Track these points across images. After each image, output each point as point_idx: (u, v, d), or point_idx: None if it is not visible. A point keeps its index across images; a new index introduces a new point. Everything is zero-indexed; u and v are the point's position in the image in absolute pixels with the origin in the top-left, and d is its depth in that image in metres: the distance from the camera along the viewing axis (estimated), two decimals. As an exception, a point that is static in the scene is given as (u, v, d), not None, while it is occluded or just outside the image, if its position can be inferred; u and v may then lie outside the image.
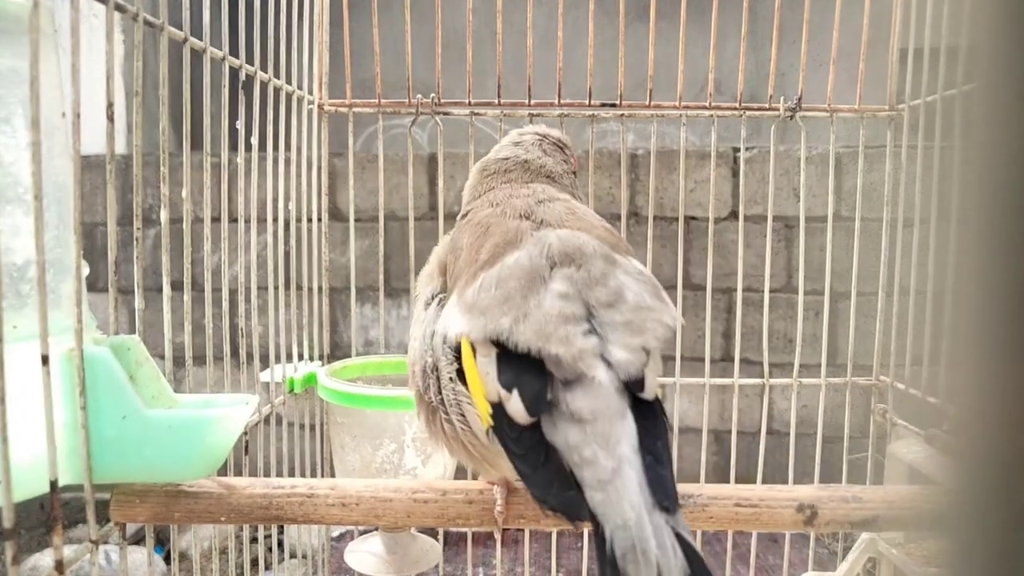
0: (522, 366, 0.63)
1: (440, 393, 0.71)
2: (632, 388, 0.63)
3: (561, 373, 0.62)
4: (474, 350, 0.66)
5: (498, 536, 0.83)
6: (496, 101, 1.30)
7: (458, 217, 0.87)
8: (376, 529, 1.10)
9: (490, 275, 0.68)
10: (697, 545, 0.58)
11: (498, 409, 0.64)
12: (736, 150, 2.58)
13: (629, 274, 0.70)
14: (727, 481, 1.06)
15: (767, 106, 1.29)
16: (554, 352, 0.62)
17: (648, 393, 0.64)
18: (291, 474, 1.24)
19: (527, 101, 1.30)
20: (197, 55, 0.88)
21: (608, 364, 0.63)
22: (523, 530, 1.26)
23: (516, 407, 0.62)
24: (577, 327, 0.63)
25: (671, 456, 0.64)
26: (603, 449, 0.59)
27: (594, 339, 0.63)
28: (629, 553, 0.55)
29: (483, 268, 0.70)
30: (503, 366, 0.64)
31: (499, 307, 0.65)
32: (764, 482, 0.85)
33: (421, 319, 0.77)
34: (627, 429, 0.61)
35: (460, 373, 0.69)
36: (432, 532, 1.44)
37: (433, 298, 0.78)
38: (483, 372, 0.65)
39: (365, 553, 1.09)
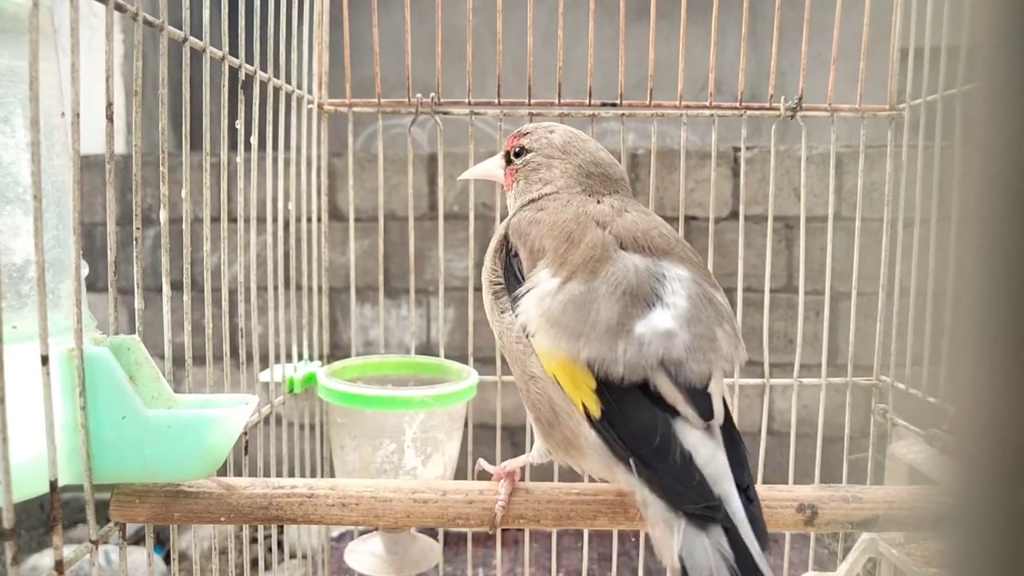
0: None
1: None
2: None
3: None
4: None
5: (493, 533, 0.84)
6: (496, 101, 1.30)
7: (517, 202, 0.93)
8: (376, 529, 1.10)
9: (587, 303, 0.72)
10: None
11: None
12: (736, 150, 2.58)
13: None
14: (727, 481, 1.06)
15: (767, 106, 1.29)
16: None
17: None
18: (291, 474, 1.24)
19: (527, 100, 1.29)
20: (197, 55, 0.87)
21: None
22: (523, 530, 1.26)
23: (689, 410, 0.69)
24: None
25: None
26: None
27: None
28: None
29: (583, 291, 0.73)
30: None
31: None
32: (764, 482, 0.84)
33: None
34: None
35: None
36: (432, 532, 1.44)
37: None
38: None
39: (365, 553, 1.09)
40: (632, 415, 0.68)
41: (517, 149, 0.97)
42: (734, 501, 0.66)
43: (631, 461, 0.68)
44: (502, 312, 0.81)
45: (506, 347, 0.80)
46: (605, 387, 0.70)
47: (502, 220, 0.96)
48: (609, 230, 0.78)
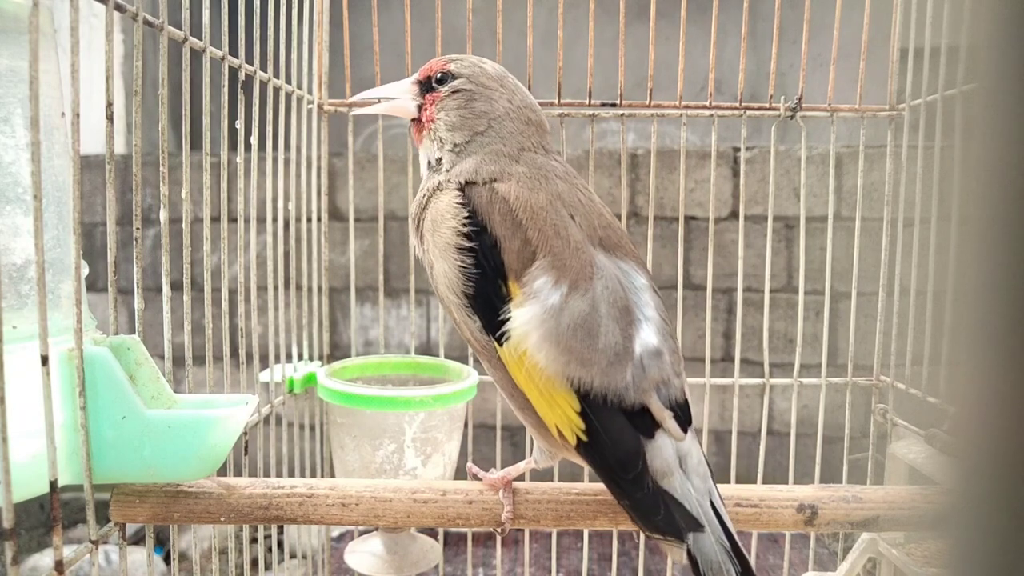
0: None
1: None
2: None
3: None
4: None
5: (501, 533, 0.83)
6: (496, 101, 1.30)
7: (460, 169, 0.77)
8: (376, 529, 1.10)
9: (582, 318, 0.69)
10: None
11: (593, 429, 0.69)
12: (736, 150, 2.58)
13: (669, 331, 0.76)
14: (727, 481, 1.05)
15: (767, 106, 1.29)
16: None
17: None
18: (291, 474, 1.24)
19: (527, 101, 1.29)
20: (197, 55, 0.87)
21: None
22: (523, 530, 1.26)
23: (674, 426, 0.70)
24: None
25: None
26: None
27: None
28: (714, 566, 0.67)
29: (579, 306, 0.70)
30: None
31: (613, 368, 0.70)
32: (764, 482, 0.85)
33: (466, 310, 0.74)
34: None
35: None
36: (432, 532, 1.44)
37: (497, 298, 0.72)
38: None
39: (365, 553, 1.09)
40: (618, 440, 0.68)
41: (440, 74, 0.78)
42: (714, 492, 0.71)
43: (612, 488, 0.70)
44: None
45: (484, 352, 0.75)
46: (589, 409, 0.68)
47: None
48: (577, 221, 0.74)
